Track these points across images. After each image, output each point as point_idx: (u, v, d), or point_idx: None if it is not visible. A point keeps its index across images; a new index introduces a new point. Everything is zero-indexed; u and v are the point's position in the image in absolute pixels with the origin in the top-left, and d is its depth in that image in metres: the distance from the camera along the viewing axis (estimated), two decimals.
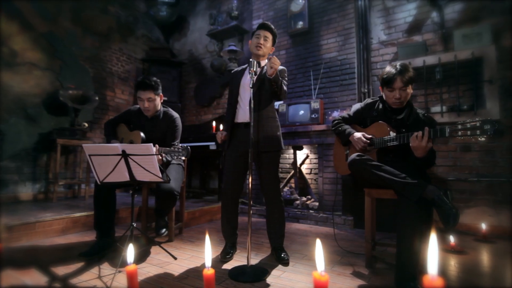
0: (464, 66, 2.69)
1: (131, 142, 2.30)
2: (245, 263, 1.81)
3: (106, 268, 1.72)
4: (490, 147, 2.63)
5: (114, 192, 2.10)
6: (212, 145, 3.50)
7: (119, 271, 1.64)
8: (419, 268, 1.42)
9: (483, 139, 1.31)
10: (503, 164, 2.56)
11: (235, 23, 4.27)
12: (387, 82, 1.70)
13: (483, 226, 2.39)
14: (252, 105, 1.72)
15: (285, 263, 1.81)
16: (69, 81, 3.86)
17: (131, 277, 0.69)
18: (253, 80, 1.72)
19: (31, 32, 3.56)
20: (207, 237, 0.84)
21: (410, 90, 1.70)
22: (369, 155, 1.73)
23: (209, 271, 0.66)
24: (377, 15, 3.31)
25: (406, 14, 3.13)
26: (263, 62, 1.99)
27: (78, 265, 1.76)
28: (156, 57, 4.82)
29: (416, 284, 1.36)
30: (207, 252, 0.73)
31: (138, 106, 2.39)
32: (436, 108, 2.80)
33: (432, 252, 0.40)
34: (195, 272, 1.69)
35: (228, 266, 1.80)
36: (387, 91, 1.72)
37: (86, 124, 3.80)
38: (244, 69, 2.04)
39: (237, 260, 1.91)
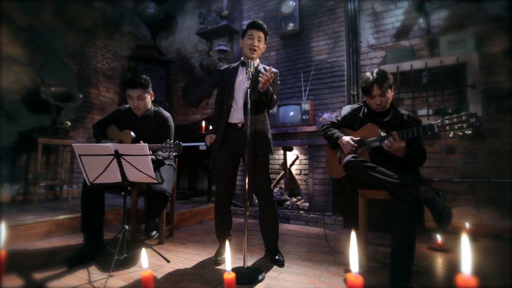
0: (449, 71, 2.80)
1: (121, 142, 2.23)
2: (240, 264, 1.80)
3: (96, 273, 1.65)
4: (473, 149, 2.74)
5: (103, 193, 2.03)
6: (202, 146, 3.46)
7: (111, 276, 1.58)
8: (413, 267, 1.46)
9: (470, 131, 1.35)
10: (484, 166, 2.68)
11: (225, 23, 4.24)
12: (365, 90, 1.75)
13: (467, 225, 2.49)
14: (249, 106, 1.70)
15: (281, 264, 1.81)
16: (51, 78, 3.70)
17: (147, 283, 0.66)
18: (249, 81, 1.71)
19: (11, 25, 3.38)
20: (227, 242, 0.82)
21: (390, 94, 1.74)
22: (362, 156, 1.77)
23: (230, 275, 0.64)
24: (366, 20, 3.38)
25: (394, 19, 3.22)
26: (256, 62, 1.95)
27: (65, 270, 1.68)
28: (143, 55, 4.70)
29: (411, 283, 1.40)
30: (227, 256, 0.71)
31: (128, 105, 2.32)
32: (422, 111, 2.89)
33: (466, 252, 0.41)
34: (190, 275, 1.65)
35: (222, 267, 1.78)
36: (368, 99, 1.78)
37: (69, 123, 3.65)
38: (236, 68, 1.99)
39: (232, 262, 1.89)
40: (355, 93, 3.29)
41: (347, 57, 3.35)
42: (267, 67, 1.98)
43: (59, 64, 3.87)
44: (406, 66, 2.91)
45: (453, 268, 1.82)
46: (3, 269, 0.54)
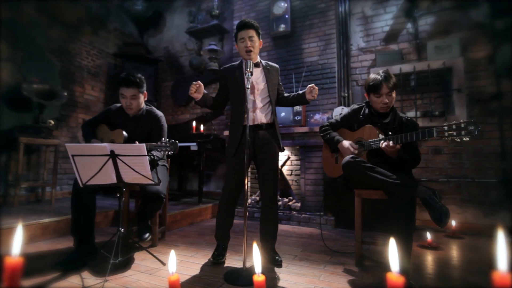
0: (436, 75, 2.90)
1: (112, 141, 2.16)
2: (237, 265, 1.79)
3: (89, 278, 1.59)
4: (458, 150, 2.86)
5: (95, 195, 1.96)
6: (193, 146, 3.41)
7: (106, 280, 1.52)
8: (410, 265, 1.50)
9: (467, 139, 1.41)
10: (468, 166, 2.80)
11: (216, 22, 4.20)
12: (374, 88, 1.78)
13: (453, 223, 2.59)
14: (248, 106, 1.69)
15: (279, 264, 1.81)
16: (33, 74, 3.53)
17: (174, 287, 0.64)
18: (249, 81, 1.70)
19: None
20: (255, 244, 0.81)
21: (394, 94, 1.80)
22: (359, 156, 1.80)
23: (260, 278, 0.63)
24: (356, 23, 3.46)
25: (384, 23, 3.31)
26: (257, 59, 1.93)
27: (55, 275, 1.60)
28: (130, 53, 4.58)
29: (409, 281, 1.43)
30: (255, 258, 0.70)
31: (118, 104, 2.26)
32: (410, 113, 2.98)
33: (502, 248, 0.42)
34: (189, 278, 1.62)
35: (220, 269, 1.76)
36: (375, 97, 1.81)
37: (52, 122, 3.49)
38: (240, 69, 1.94)
39: (229, 263, 1.87)
40: (346, 94, 3.35)
41: (338, 59, 3.40)
42: (271, 63, 1.99)
43: (41, 60, 3.70)
44: (395, 69, 2.99)
45: (443, 265, 1.89)
46: (19, 278, 0.50)
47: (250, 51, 1.83)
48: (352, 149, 1.84)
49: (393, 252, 0.50)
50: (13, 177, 3.18)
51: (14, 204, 2.98)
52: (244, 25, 1.83)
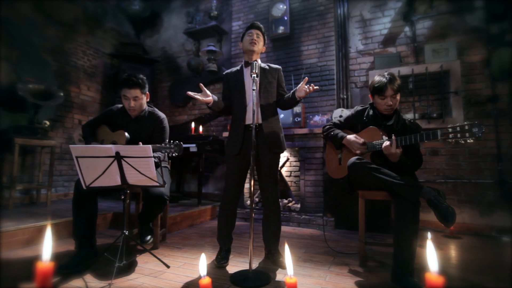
0: (433, 78, 2.95)
1: (114, 143, 2.13)
2: (242, 267, 1.79)
3: (92, 281, 1.56)
4: (455, 152, 2.91)
5: (96, 197, 1.93)
6: (193, 147, 3.39)
7: (112, 284, 1.50)
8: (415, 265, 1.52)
9: (471, 140, 1.44)
10: (465, 167, 2.86)
11: (214, 23, 4.19)
12: (379, 90, 1.80)
13: None
14: (254, 108, 1.69)
15: (284, 266, 1.81)
16: (28, 74, 3.46)
17: None
18: (255, 82, 1.71)
19: None
20: (286, 245, 0.81)
21: (398, 97, 1.83)
22: (363, 157, 1.81)
23: (292, 280, 0.63)
24: (355, 26, 3.49)
25: (382, 26, 3.35)
26: (258, 60, 1.98)
27: (58, 279, 1.57)
28: (127, 53, 4.53)
29: (414, 279, 1.45)
30: (288, 260, 0.70)
31: (120, 105, 2.23)
32: (409, 116, 3.03)
33: None
34: (194, 280, 1.61)
35: (224, 271, 1.75)
36: (379, 99, 1.83)
37: (48, 122, 3.44)
38: (240, 70, 1.98)
39: (233, 265, 1.86)
40: (345, 96, 3.38)
41: (336, 61, 3.43)
42: (272, 65, 2.00)
43: (37, 59, 3.63)
44: (394, 72, 3.01)
45: (443, 264, 1.92)
46: (50, 282, 0.49)
47: (255, 43, 1.90)
48: (358, 142, 1.84)
49: (431, 251, 0.50)
50: (7, 179, 3.11)
51: (8, 206, 2.91)
52: (254, 25, 1.94)
